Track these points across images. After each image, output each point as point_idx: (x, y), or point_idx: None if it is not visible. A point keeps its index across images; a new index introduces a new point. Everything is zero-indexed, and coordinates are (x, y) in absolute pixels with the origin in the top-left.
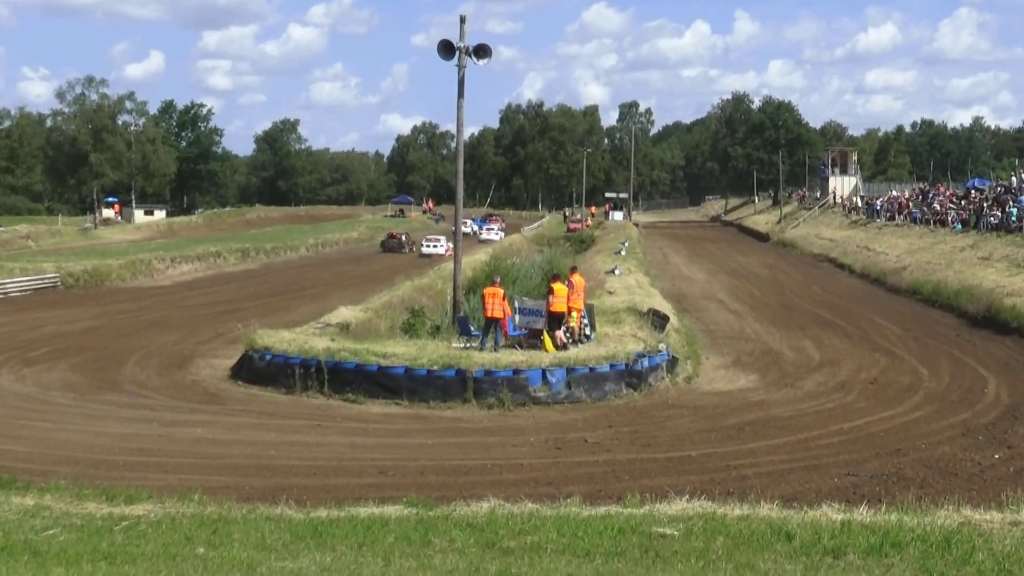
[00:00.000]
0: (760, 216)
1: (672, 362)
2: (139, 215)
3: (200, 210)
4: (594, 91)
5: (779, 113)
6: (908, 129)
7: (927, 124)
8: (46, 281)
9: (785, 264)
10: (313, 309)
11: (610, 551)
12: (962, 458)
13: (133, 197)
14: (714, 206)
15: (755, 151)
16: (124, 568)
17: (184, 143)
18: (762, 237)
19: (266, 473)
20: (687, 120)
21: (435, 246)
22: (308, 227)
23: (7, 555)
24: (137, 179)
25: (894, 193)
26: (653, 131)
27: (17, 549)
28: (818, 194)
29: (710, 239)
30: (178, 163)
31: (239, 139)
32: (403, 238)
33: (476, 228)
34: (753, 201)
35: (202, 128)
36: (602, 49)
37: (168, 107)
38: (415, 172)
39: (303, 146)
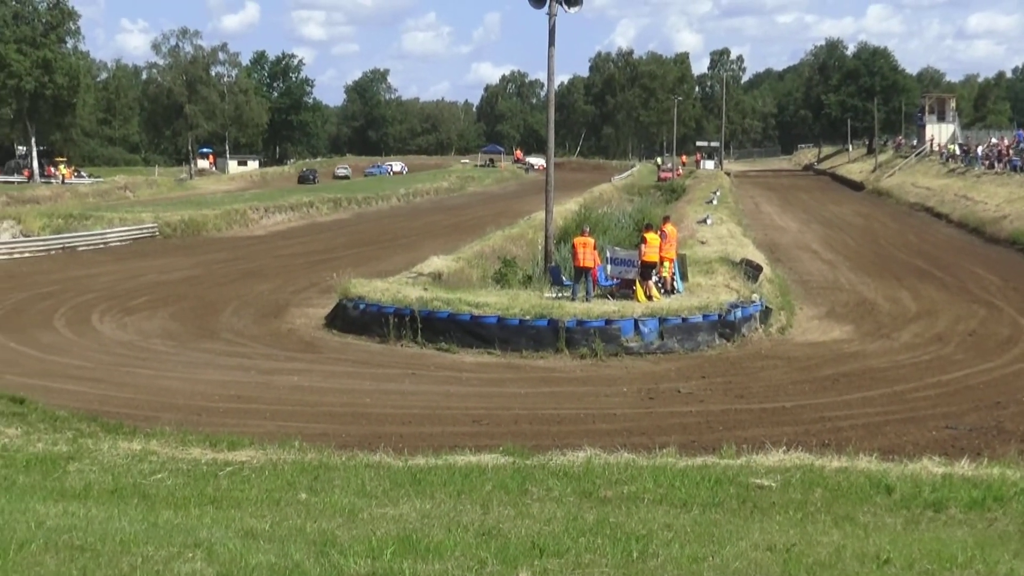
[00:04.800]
0: (854, 165)
1: (765, 312)
2: (233, 165)
3: (292, 160)
4: (687, 38)
5: (874, 59)
6: (1009, 75)
7: None
8: (144, 231)
9: (880, 213)
10: (405, 259)
11: (708, 502)
12: None
13: (227, 148)
14: (807, 155)
15: (849, 98)
16: (230, 512)
17: (276, 94)
18: (856, 186)
19: (362, 421)
20: (779, 68)
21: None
22: (399, 177)
23: (118, 498)
24: (230, 130)
25: (994, 140)
26: (744, 79)
27: (127, 492)
28: (914, 142)
29: (803, 188)
30: (270, 113)
31: (330, 89)
32: None
33: None
34: (847, 149)
35: (293, 79)
36: None
37: (260, 58)
38: (504, 121)
39: (393, 96)
